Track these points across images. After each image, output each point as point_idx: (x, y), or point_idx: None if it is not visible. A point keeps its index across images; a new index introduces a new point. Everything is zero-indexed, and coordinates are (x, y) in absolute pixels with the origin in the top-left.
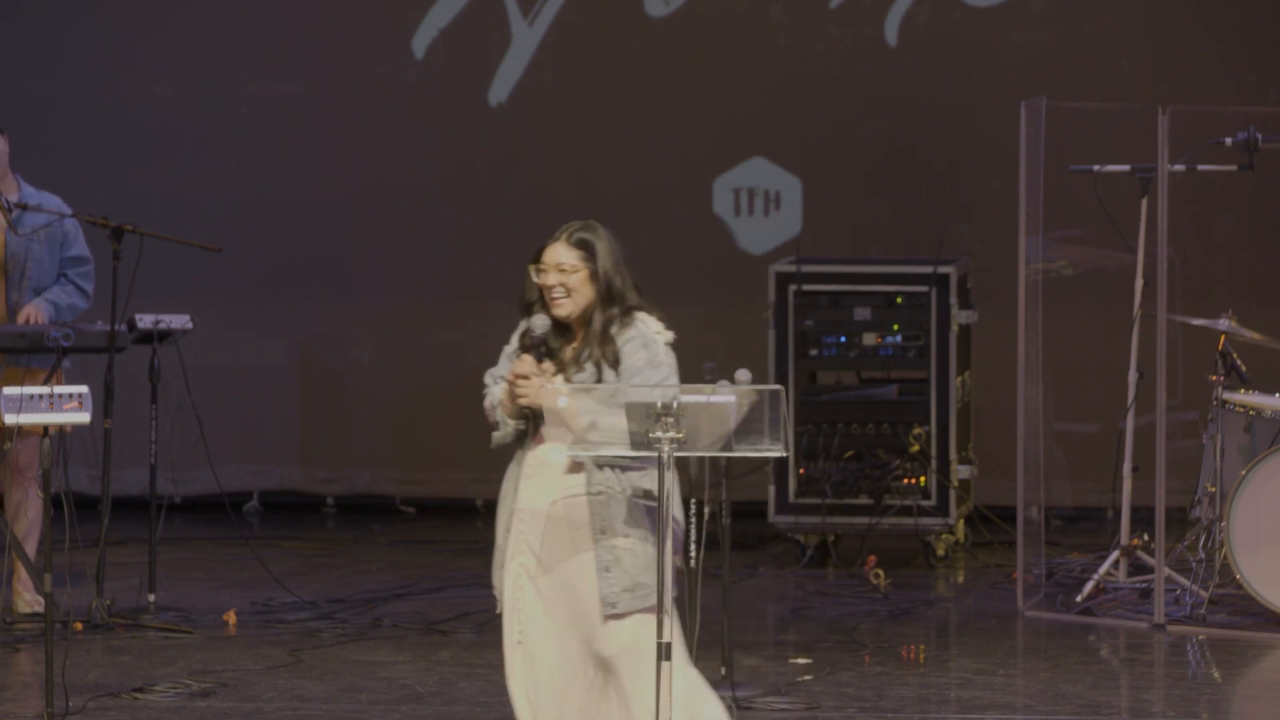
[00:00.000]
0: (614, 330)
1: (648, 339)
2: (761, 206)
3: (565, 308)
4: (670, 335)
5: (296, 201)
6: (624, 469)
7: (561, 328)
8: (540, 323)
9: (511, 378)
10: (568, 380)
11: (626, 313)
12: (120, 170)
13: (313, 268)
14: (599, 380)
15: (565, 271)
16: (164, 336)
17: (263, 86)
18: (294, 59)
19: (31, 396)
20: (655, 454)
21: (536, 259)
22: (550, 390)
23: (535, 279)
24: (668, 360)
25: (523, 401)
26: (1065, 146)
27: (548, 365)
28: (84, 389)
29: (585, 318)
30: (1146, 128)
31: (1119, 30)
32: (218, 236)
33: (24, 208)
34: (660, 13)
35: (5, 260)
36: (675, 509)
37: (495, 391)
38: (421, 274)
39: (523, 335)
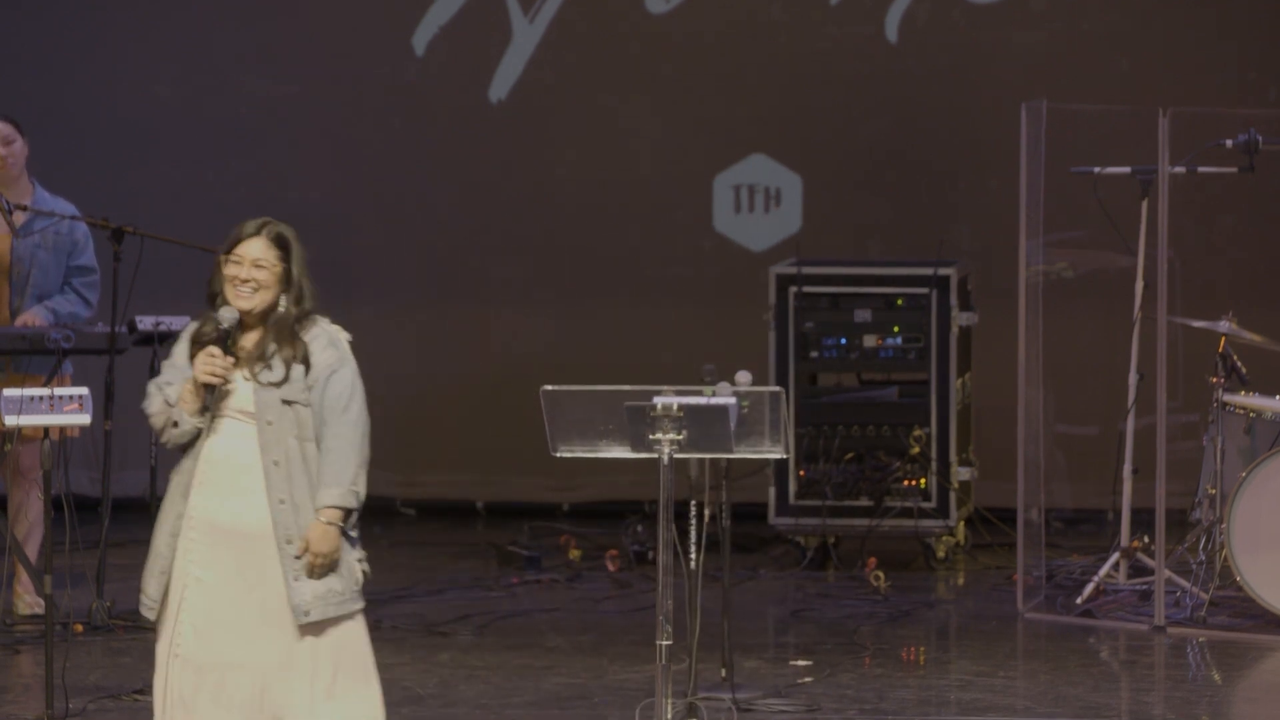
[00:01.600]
0: (300, 329)
1: (334, 337)
2: (762, 203)
3: (251, 301)
4: (349, 336)
5: (296, 201)
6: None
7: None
8: (229, 315)
9: (204, 370)
10: (252, 376)
11: (308, 314)
12: (120, 170)
13: (313, 268)
14: (288, 377)
15: (260, 267)
16: (164, 338)
17: (263, 86)
18: (294, 59)
19: (32, 398)
20: (656, 455)
21: (229, 250)
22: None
23: (225, 270)
24: (351, 358)
25: (204, 377)
26: (1065, 148)
27: (229, 359)
28: (84, 391)
29: (265, 314)
30: (1147, 129)
31: (1119, 30)
32: (218, 237)
33: (24, 209)
34: (661, 10)
35: (10, 264)
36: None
37: (172, 391)
38: (421, 274)
39: (205, 327)
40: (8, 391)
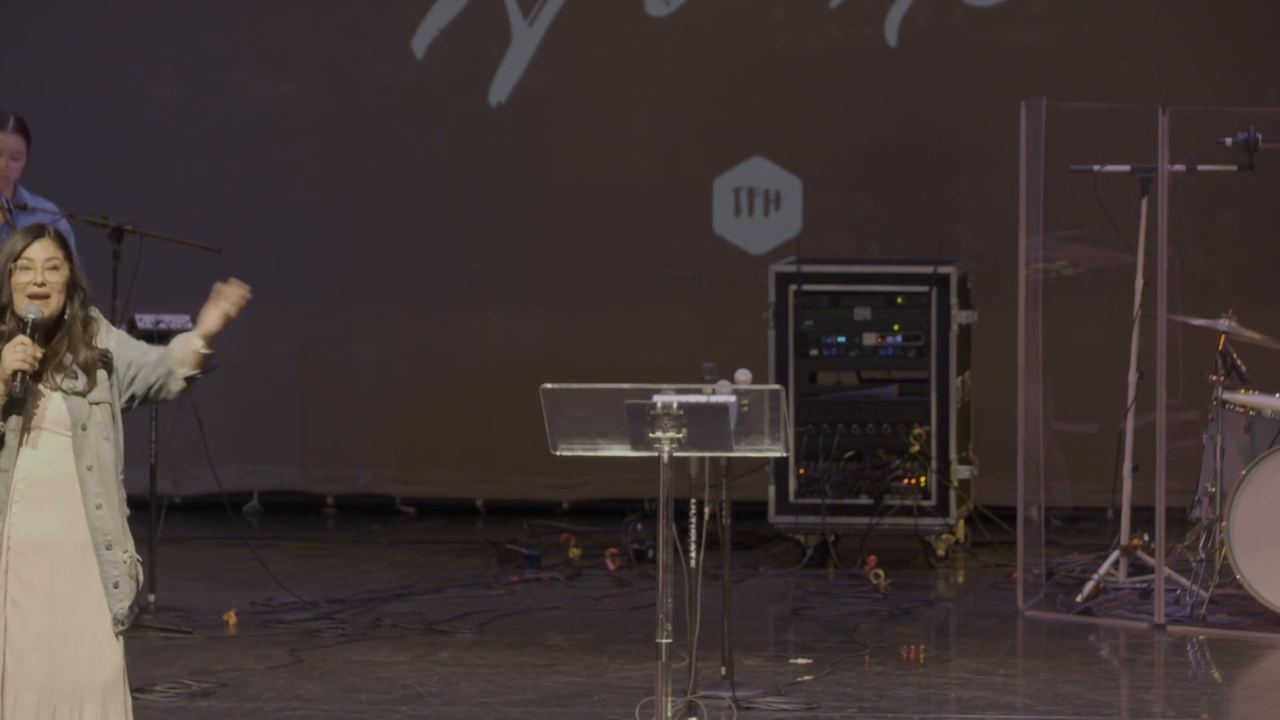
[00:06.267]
0: (89, 333)
1: (108, 328)
2: (761, 206)
3: (49, 307)
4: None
5: (296, 201)
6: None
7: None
8: (33, 309)
9: (17, 358)
10: (57, 385)
11: (90, 316)
12: (120, 170)
13: (312, 268)
14: (93, 383)
15: (54, 268)
16: (164, 336)
17: (263, 86)
18: (294, 59)
19: None
20: (655, 454)
21: (16, 257)
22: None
23: (15, 279)
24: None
25: (15, 364)
26: (1065, 146)
27: (38, 348)
28: None
29: (57, 322)
30: (1146, 128)
31: (1119, 30)
32: (217, 236)
33: (24, 208)
34: (660, 12)
35: None
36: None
37: None
38: (421, 274)
39: (19, 322)
40: None
